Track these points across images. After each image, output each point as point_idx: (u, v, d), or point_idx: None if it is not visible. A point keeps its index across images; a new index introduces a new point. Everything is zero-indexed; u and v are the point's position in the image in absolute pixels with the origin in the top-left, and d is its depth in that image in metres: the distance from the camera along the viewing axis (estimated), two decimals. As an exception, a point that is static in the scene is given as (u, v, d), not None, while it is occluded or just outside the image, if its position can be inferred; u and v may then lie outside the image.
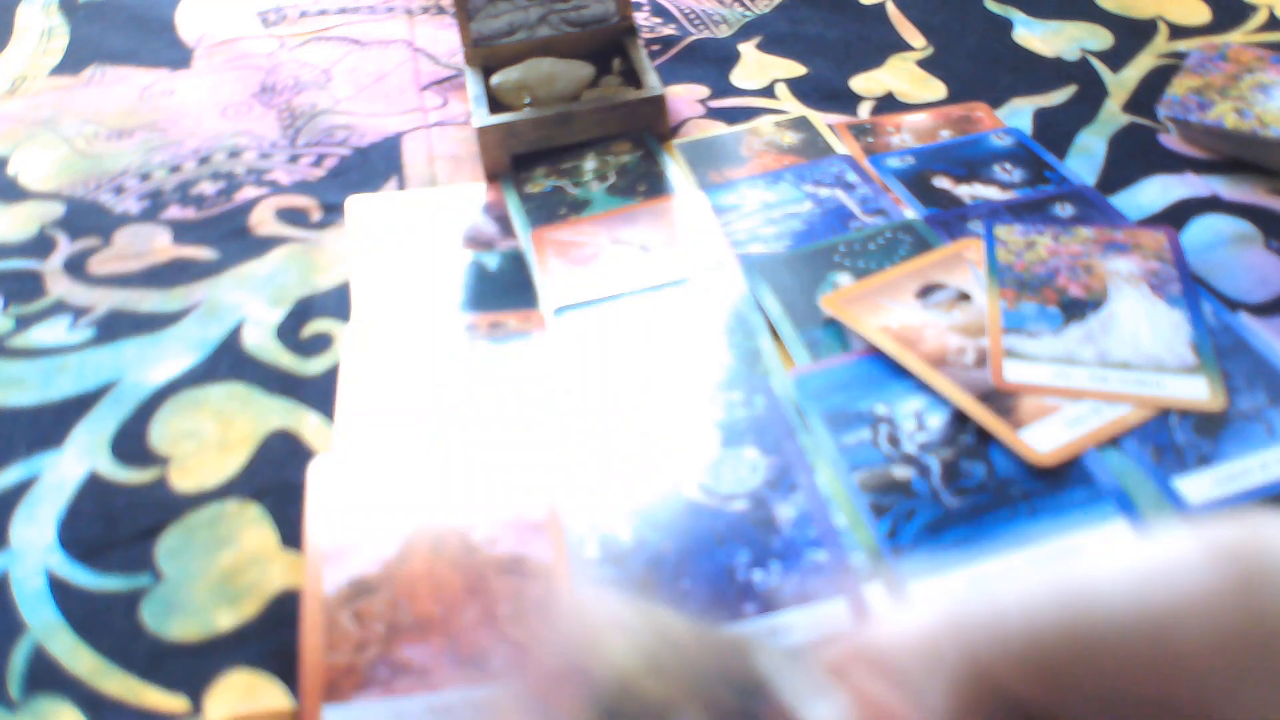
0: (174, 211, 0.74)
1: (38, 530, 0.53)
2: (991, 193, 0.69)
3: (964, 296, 0.60)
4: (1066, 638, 0.26)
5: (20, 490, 0.55)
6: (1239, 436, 0.51)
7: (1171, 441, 0.51)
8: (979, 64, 0.85)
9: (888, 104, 0.81)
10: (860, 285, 0.61)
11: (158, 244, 0.72)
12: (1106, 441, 0.51)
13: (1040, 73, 0.83)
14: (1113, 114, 0.77)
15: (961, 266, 0.62)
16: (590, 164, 0.75)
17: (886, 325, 0.58)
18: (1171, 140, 0.74)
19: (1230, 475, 0.49)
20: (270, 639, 0.47)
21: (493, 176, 0.75)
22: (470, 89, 0.78)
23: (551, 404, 0.57)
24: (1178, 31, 0.88)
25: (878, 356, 0.57)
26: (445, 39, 0.94)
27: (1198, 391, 0.53)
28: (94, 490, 0.54)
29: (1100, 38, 0.87)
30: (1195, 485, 0.49)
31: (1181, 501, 0.48)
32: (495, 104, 0.77)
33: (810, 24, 0.93)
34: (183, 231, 0.72)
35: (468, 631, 0.46)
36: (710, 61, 0.88)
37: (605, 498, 0.51)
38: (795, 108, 0.81)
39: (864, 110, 0.81)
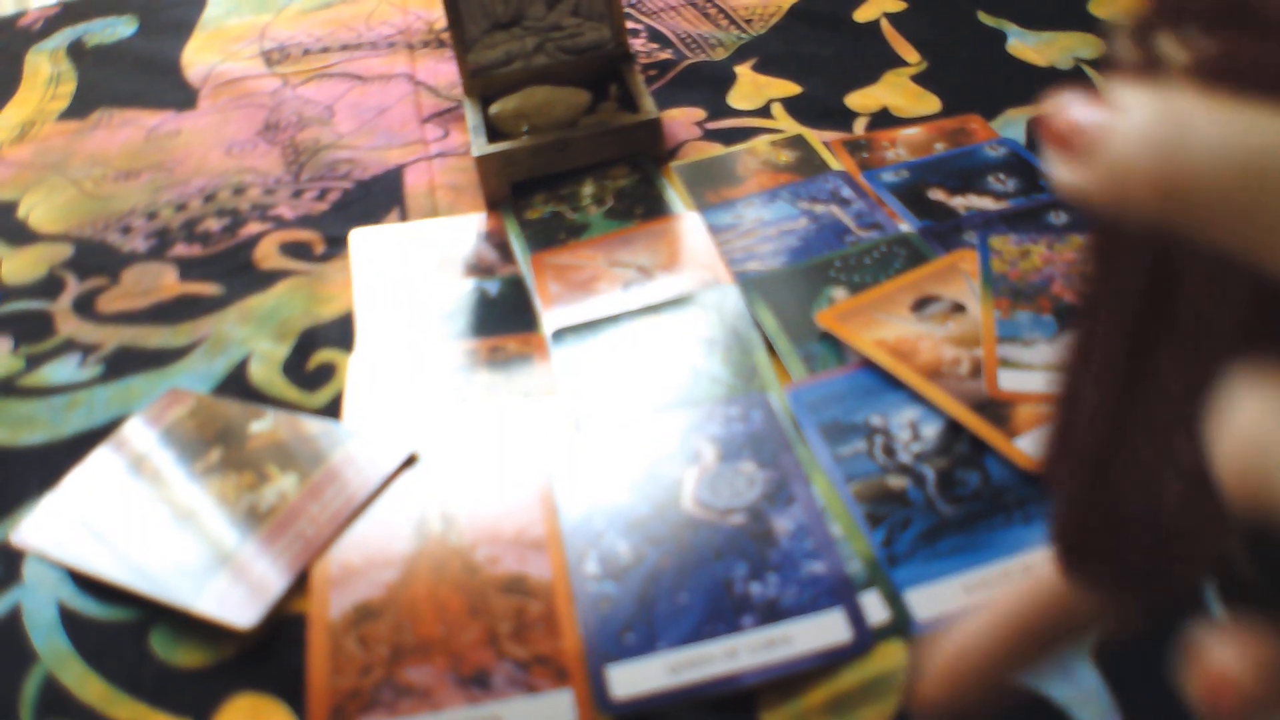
0: (180, 249, 0.76)
1: (49, 564, 0.54)
2: (986, 203, 0.70)
3: (958, 308, 0.60)
4: None
5: (32, 525, 0.56)
6: (1235, 437, 0.51)
7: (1168, 444, 0.51)
8: (973, 77, 0.86)
9: (883, 119, 0.82)
10: (855, 300, 0.62)
11: (164, 281, 0.73)
12: (1102, 446, 0.51)
13: (1034, 83, 0.84)
14: (1106, 122, 0.78)
15: (957, 278, 0.62)
16: (588, 189, 0.76)
17: (882, 339, 0.58)
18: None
19: (1227, 475, 0.49)
20: (276, 663, 0.48)
21: (493, 204, 0.76)
22: (469, 119, 0.79)
23: (551, 423, 0.57)
24: (1170, 38, 0.88)
25: (873, 368, 0.57)
26: (446, 71, 0.96)
27: (1193, 393, 0.53)
28: (104, 523, 0.55)
29: (1093, 46, 0.88)
30: (1192, 486, 0.49)
31: (1178, 503, 0.48)
32: (495, 133, 0.78)
33: (805, 43, 0.94)
34: (189, 268, 0.74)
35: (470, 651, 0.46)
36: (707, 84, 0.89)
37: (604, 514, 0.51)
38: (791, 126, 0.82)
39: (859, 126, 0.81)
